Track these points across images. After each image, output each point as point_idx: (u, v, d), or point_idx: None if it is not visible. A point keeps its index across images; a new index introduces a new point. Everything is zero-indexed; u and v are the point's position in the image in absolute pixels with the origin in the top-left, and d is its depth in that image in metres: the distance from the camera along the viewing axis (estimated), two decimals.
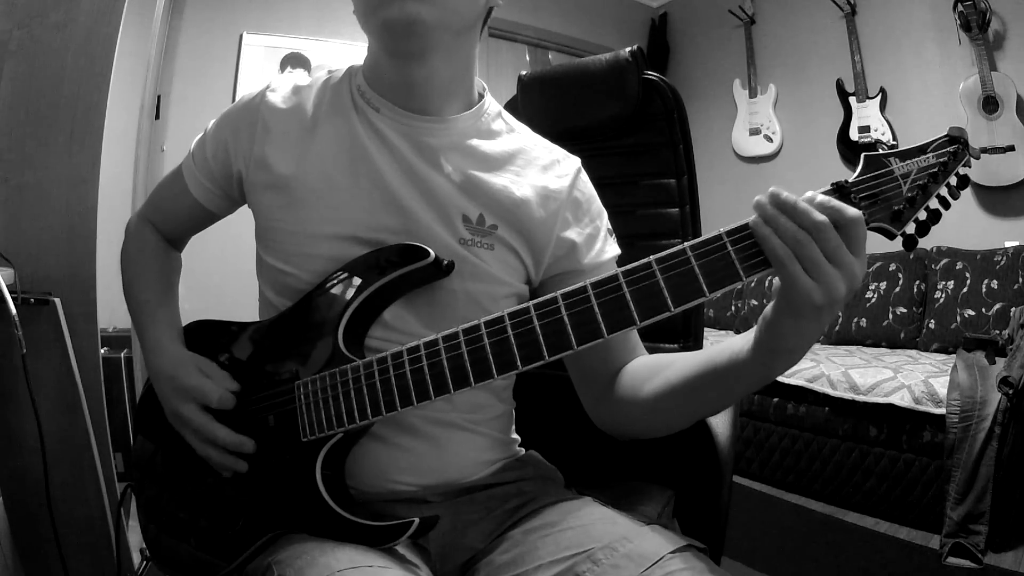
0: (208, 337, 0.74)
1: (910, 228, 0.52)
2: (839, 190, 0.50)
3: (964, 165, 0.53)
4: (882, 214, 0.51)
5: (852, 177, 0.51)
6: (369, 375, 0.60)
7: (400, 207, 0.66)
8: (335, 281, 0.66)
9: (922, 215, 0.52)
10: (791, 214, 0.47)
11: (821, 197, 0.48)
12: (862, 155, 0.52)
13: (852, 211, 0.47)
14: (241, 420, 0.67)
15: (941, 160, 0.53)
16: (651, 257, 0.51)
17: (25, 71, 1.27)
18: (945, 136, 0.54)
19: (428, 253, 0.63)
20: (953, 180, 0.53)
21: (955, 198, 0.53)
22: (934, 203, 0.53)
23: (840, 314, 2.79)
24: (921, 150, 0.53)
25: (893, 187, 0.52)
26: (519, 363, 0.54)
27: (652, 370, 0.65)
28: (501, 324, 0.55)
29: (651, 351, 0.72)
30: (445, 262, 0.64)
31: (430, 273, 0.64)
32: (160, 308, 0.77)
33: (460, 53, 0.69)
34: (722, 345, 0.57)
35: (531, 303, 0.54)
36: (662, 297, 0.50)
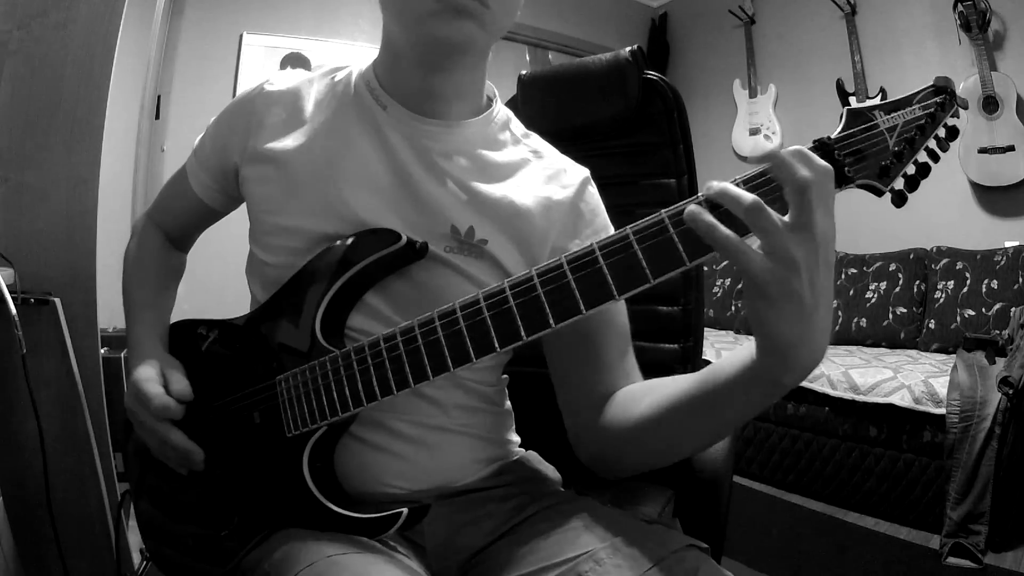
0: (190, 336, 0.74)
1: (898, 184, 0.51)
2: (822, 147, 0.48)
3: (952, 116, 0.52)
4: (869, 171, 0.49)
5: (835, 133, 0.49)
6: (348, 366, 0.59)
7: (387, 210, 0.65)
8: (309, 271, 0.65)
9: (911, 169, 0.51)
10: (728, 204, 0.45)
11: (751, 200, 0.44)
12: (844, 109, 0.50)
13: (819, 164, 0.43)
14: (227, 419, 0.67)
15: (928, 111, 0.51)
16: (627, 228, 0.49)
17: (25, 71, 1.27)
18: (931, 86, 0.52)
19: (399, 237, 0.62)
20: (941, 132, 0.51)
21: (944, 150, 0.51)
22: (923, 156, 0.51)
23: (840, 314, 2.80)
24: (906, 102, 0.51)
25: (879, 141, 0.50)
26: (497, 344, 0.53)
27: (645, 389, 0.62)
28: (477, 306, 0.54)
29: (651, 351, 0.71)
30: (418, 244, 0.63)
31: (404, 256, 0.63)
32: (148, 308, 0.77)
33: (482, 63, 0.69)
34: (722, 361, 0.54)
35: (506, 282, 0.53)
36: (640, 269, 0.48)
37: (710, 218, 0.45)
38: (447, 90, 0.67)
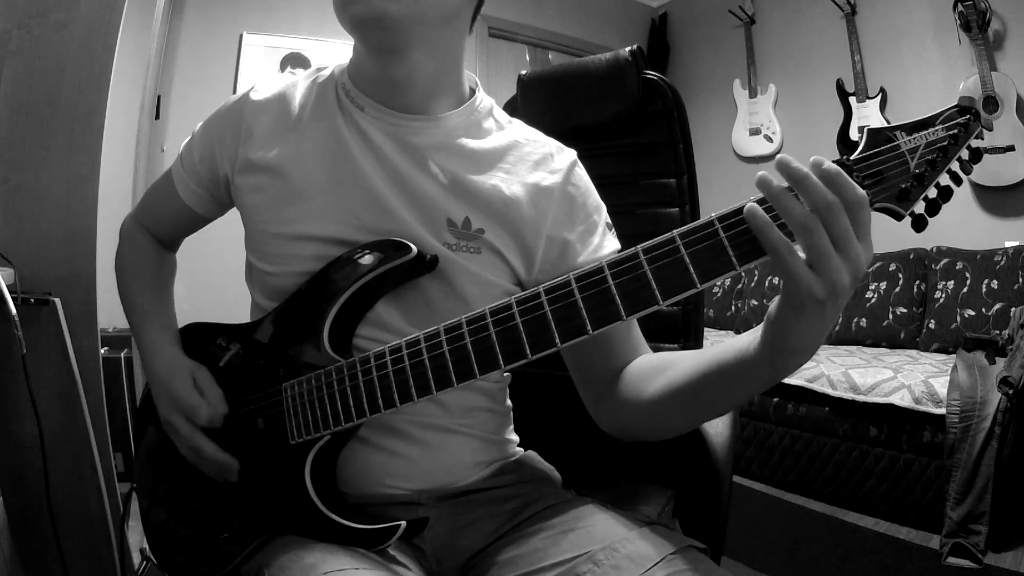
0: (201, 340, 0.74)
1: (919, 207, 0.48)
2: (841, 168, 0.46)
3: (976, 137, 0.49)
4: (888, 193, 0.47)
5: (855, 154, 0.47)
6: (352, 376, 0.60)
7: (384, 209, 0.65)
8: (318, 280, 0.65)
9: (932, 193, 0.48)
10: (802, 189, 0.43)
11: (829, 165, 0.44)
12: (864, 129, 0.48)
13: (859, 191, 0.44)
14: (232, 423, 0.67)
15: (951, 132, 0.48)
16: (638, 247, 0.48)
17: (25, 71, 1.27)
18: (955, 106, 0.50)
19: (410, 248, 0.62)
20: (965, 153, 0.49)
21: (968, 172, 0.49)
22: (944, 179, 0.49)
23: (840, 315, 2.79)
24: (929, 123, 0.49)
25: (899, 163, 0.48)
26: (502, 362, 0.52)
27: (655, 369, 0.63)
28: (483, 322, 0.53)
29: (652, 351, 0.72)
30: (428, 256, 0.63)
31: (414, 268, 0.63)
32: (154, 311, 0.77)
33: (442, 47, 0.66)
34: (728, 344, 0.55)
35: (513, 299, 0.52)
36: (650, 290, 0.47)
37: (767, 218, 0.44)
38: (413, 78, 0.66)
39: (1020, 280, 2.36)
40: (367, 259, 0.63)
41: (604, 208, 0.73)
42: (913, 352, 2.53)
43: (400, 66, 0.64)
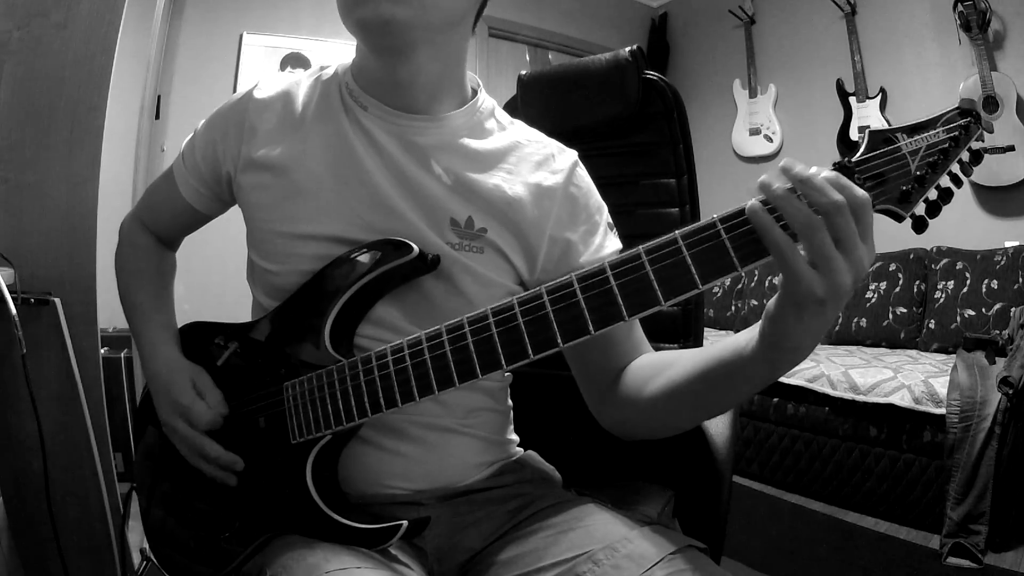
0: (201, 339, 0.74)
1: (919, 209, 0.49)
2: (842, 171, 0.46)
3: (977, 139, 0.50)
4: (889, 195, 0.48)
5: (856, 156, 0.48)
6: (354, 376, 0.60)
7: (387, 208, 0.65)
8: (320, 279, 0.65)
9: (932, 194, 0.49)
10: (807, 190, 0.44)
11: (828, 173, 0.44)
12: (867, 131, 0.49)
13: (861, 192, 0.44)
14: (233, 422, 0.67)
15: (952, 135, 0.49)
16: (640, 247, 0.48)
17: (25, 71, 1.27)
18: (956, 108, 0.50)
19: (412, 248, 0.62)
20: (965, 156, 0.49)
21: (968, 175, 0.49)
22: (945, 181, 0.49)
23: (840, 314, 2.79)
24: (929, 125, 0.49)
25: (901, 165, 0.48)
26: (503, 362, 0.52)
27: (656, 368, 0.63)
28: (485, 322, 0.53)
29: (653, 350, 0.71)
30: (430, 256, 0.63)
31: (415, 268, 0.63)
32: (155, 311, 0.77)
33: (447, 49, 0.66)
34: (726, 342, 0.55)
35: (515, 299, 0.53)
36: (652, 291, 0.47)
37: (770, 217, 0.44)
38: (417, 80, 0.66)
39: (1020, 280, 2.36)
40: (369, 258, 0.63)
41: (605, 208, 0.74)
42: (913, 352, 2.53)
43: (404, 68, 0.65)
